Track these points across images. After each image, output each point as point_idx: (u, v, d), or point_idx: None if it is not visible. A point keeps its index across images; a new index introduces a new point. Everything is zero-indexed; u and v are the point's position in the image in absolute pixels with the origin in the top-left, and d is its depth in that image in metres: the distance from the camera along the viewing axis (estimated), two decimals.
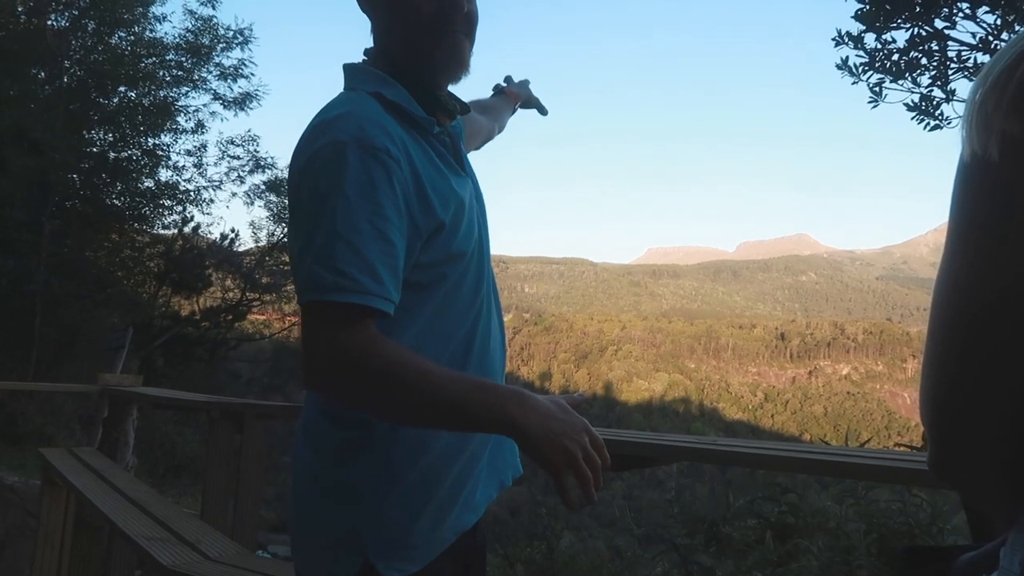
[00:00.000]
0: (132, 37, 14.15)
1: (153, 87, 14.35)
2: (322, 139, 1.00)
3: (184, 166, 15.26)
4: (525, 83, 1.85)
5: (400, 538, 1.06)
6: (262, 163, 15.97)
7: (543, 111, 1.87)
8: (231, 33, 14.51)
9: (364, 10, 1.19)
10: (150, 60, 14.24)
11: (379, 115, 1.04)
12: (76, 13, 13.59)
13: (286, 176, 1.02)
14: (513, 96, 1.78)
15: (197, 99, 15.13)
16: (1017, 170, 0.47)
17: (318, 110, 1.10)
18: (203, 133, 15.24)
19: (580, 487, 0.94)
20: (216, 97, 14.98)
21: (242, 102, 15.04)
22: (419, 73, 1.15)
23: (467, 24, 1.15)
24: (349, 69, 1.18)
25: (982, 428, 0.53)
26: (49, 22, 13.37)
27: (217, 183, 15.49)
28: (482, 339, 1.16)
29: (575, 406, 1.04)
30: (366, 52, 1.20)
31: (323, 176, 0.97)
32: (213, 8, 14.16)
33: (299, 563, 1.13)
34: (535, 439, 0.93)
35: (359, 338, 0.94)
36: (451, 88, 1.23)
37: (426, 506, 1.08)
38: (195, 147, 15.27)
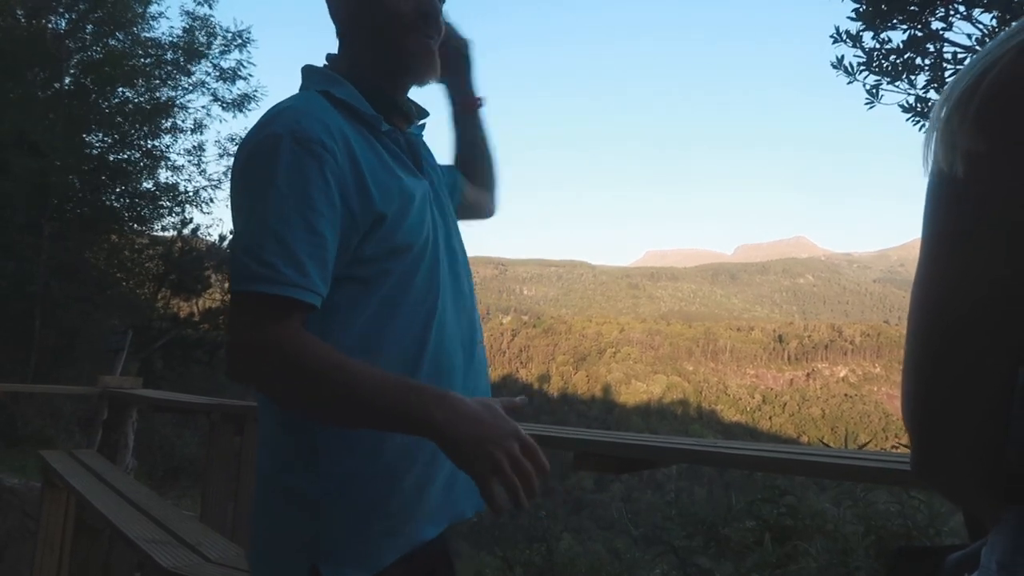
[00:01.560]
0: (130, 39, 14.17)
1: (152, 85, 14.39)
2: (260, 134, 1.02)
3: (183, 166, 15.29)
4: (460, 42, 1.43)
5: (349, 544, 1.05)
6: None
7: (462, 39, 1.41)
8: (230, 35, 14.56)
9: (332, 13, 1.20)
10: (147, 60, 14.28)
11: (321, 109, 1.05)
12: (75, 16, 13.61)
13: None
14: (471, 103, 1.47)
15: (196, 100, 15.18)
16: (982, 185, 0.48)
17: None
18: (202, 133, 15.29)
19: (509, 493, 0.92)
20: (215, 99, 15.02)
21: (240, 104, 15.06)
22: (387, 74, 1.17)
23: (438, 31, 1.18)
24: (305, 70, 1.20)
25: (960, 432, 0.54)
26: (49, 24, 13.40)
27: (216, 182, 15.51)
28: (437, 339, 1.13)
29: (513, 409, 1.03)
30: (328, 57, 1.22)
31: (257, 169, 1.00)
32: (210, 7, 14.25)
33: (252, 568, 1.13)
34: (456, 443, 0.92)
35: (281, 332, 0.95)
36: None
37: (376, 513, 1.06)
38: (194, 146, 15.30)
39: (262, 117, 1.07)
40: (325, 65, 1.21)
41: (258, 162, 1.00)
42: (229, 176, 1.09)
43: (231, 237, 1.09)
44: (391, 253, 1.08)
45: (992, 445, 0.53)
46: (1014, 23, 0.51)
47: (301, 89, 1.17)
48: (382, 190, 1.06)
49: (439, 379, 1.12)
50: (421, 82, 1.20)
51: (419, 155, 1.21)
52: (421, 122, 1.28)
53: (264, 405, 1.14)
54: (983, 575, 0.55)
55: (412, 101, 1.25)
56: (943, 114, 0.51)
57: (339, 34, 1.21)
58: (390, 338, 1.08)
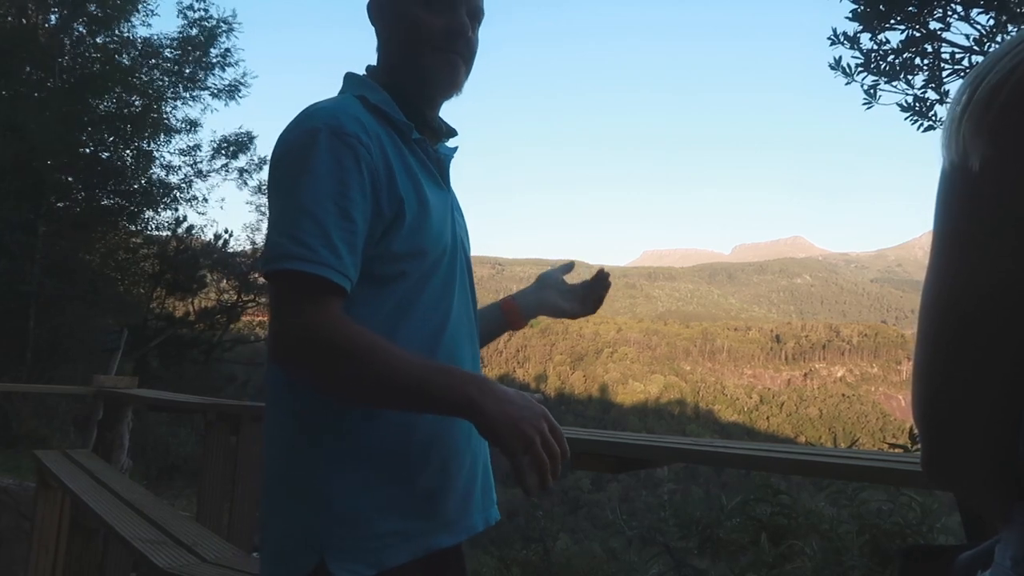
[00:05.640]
0: (125, 35, 14.20)
1: (149, 92, 14.41)
2: (298, 128, 1.07)
3: (179, 166, 15.35)
4: (551, 274, 1.53)
5: (356, 541, 1.05)
6: (247, 149, 15.99)
7: (567, 270, 1.54)
8: (214, 22, 14.64)
9: (372, 22, 1.25)
10: (144, 68, 14.32)
11: (357, 110, 1.10)
12: (66, 12, 13.60)
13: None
14: (509, 311, 1.48)
15: (188, 92, 15.17)
16: (998, 184, 0.49)
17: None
18: (196, 132, 15.32)
19: (537, 472, 0.97)
20: (203, 88, 15.12)
21: (231, 91, 15.14)
22: (413, 87, 1.20)
23: (467, 49, 1.21)
24: (346, 77, 1.24)
25: (972, 428, 0.54)
26: (46, 23, 13.37)
27: (212, 185, 15.61)
28: (448, 346, 1.15)
29: None
30: (368, 68, 1.26)
31: (294, 160, 1.04)
32: (206, 10, 14.38)
33: (264, 562, 1.13)
34: (492, 420, 0.97)
35: (326, 315, 0.98)
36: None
37: (385, 514, 1.07)
38: (189, 147, 15.34)
39: (298, 116, 1.10)
40: (364, 75, 1.24)
41: (295, 153, 1.04)
42: (267, 175, 1.11)
43: (267, 225, 1.16)
44: (409, 255, 1.10)
45: (1004, 443, 0.53)
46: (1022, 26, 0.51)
47: (339, 93, 1.20)
48: (406, 192, 1.09)
49: None
50: (444, 95, 1.23)
51: (445, 171, 1.24)
52: (452, 143, 1.30)
53: (275, 401, 1.14)
54: (997, 572, 0.55)
55: (442, 119, 1.28)
56: (959, 118, 0.52)
57: (378, 47, 1.25)
58: (401, 340, 1.09)
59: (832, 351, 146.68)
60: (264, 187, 16.08)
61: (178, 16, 14.33)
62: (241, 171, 16.13)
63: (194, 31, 14.43)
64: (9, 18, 13.23)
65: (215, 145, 15.72)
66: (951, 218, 0.53)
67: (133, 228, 15.46)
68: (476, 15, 1.22)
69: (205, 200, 15.67)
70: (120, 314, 13.72)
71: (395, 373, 0.98)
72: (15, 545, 5.39)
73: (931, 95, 6.93)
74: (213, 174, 15.89)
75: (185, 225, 16.07)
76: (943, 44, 6.89)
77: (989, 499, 0.58)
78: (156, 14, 14.45)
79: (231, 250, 16.96)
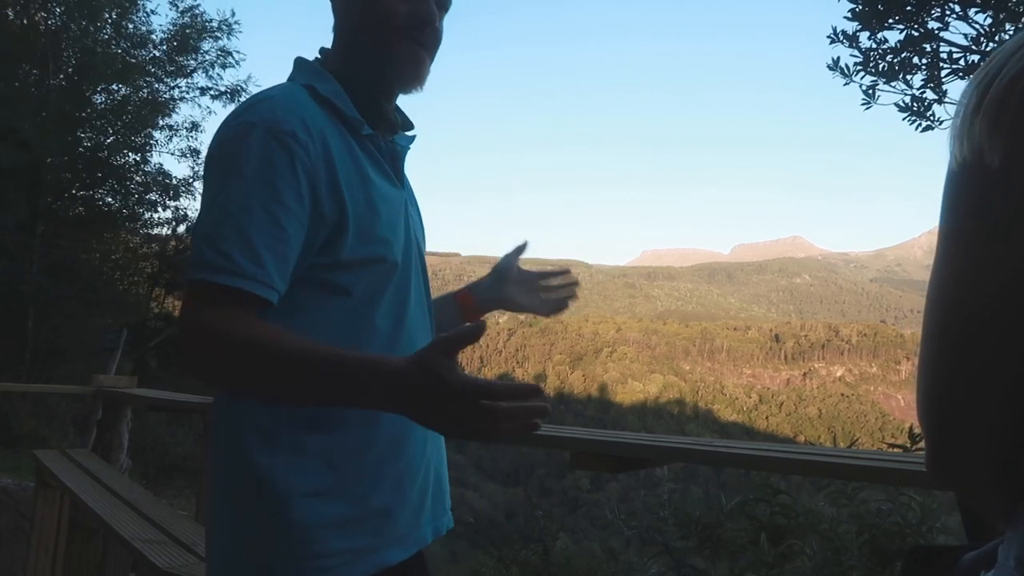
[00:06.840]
0: (113, 28, 14.19)
1: (145, 81, 14.43)
2: (233, 123, 1.00)
3: (171, 169, 15.43)
4: (506, 262, 1.44)
5: (306, 557, 1.00)
6: None
7: (520, 251, 1.45)
8: (214, 23, 14.66)
9: (333, 5, 1.18)
10: (140, 54, 14.33)
11: (300, 103, 1.03)
12: (62, 10, 13.61)
13: None
14: (465, 305, 1.40)
15: (188, 93, 15.17)
16: (1008, 184, 0.49)
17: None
18: (200, 131, 15.34)
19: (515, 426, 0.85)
20: (203, 91, 15.14)
21: (232, 94, 15.14)
22: (372, 75, 1.14)
23: (432, 39, 1.15)
24: (296, 62, 1.17)
25: (977, 428, 0.54)
26: (47, 21, 13.37)
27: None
28: (405, 353, 1.08)
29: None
30: (321, 51, 1.19)
31: (225, 157, 0.98)
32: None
33: (208, 569, 1.09)
34: (428, 427, 0.90)
35: (220, 315, 0.91)
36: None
37: (337, 531, 1.02)
38: (190, 148, 15.35)
39: (238, 106, 1.05)
40: (317, 58, 1.18)
41: (227, 149, 0.98)
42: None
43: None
44: (360, 262, 1.04)
45: (1008, 443, 0.53)
46: None
47: (288, 80, 1.14)
48: (352, 194, 1.03)
49: None
50: (405, 89, 1.17)
51: (399, 165, 1.17)
52: (410, 133, 1.23)
53: (227, 412, 1.08)
54: (1001, 572, 0.55)
55: (400, 110, 1.22)
56: (969, 117, 0.51)
57: (334, 28, 1.18)
58: (358, 347, 1.04)
59: (831, 351, 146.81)
60: None
61: (170, 8, 14.45)
62: None
63: (186, 19, 14.46)
64: (12, 17, 13.23)
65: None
66: (958, 217, 0.53)
67: (132, 227, 15.46)
68: (444, 4, 1.16)
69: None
70: (119, 314, 13.72)
71: (304, 380, 0.90)
72: (15, 545, 5.38)
73: (929, 95, 6.93)
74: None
75: (185, 224, 16.08)
76: (941, 43, 6.90)
77: (993, 499, 0.57)
78: (155, 12, 14.53)
79: None
